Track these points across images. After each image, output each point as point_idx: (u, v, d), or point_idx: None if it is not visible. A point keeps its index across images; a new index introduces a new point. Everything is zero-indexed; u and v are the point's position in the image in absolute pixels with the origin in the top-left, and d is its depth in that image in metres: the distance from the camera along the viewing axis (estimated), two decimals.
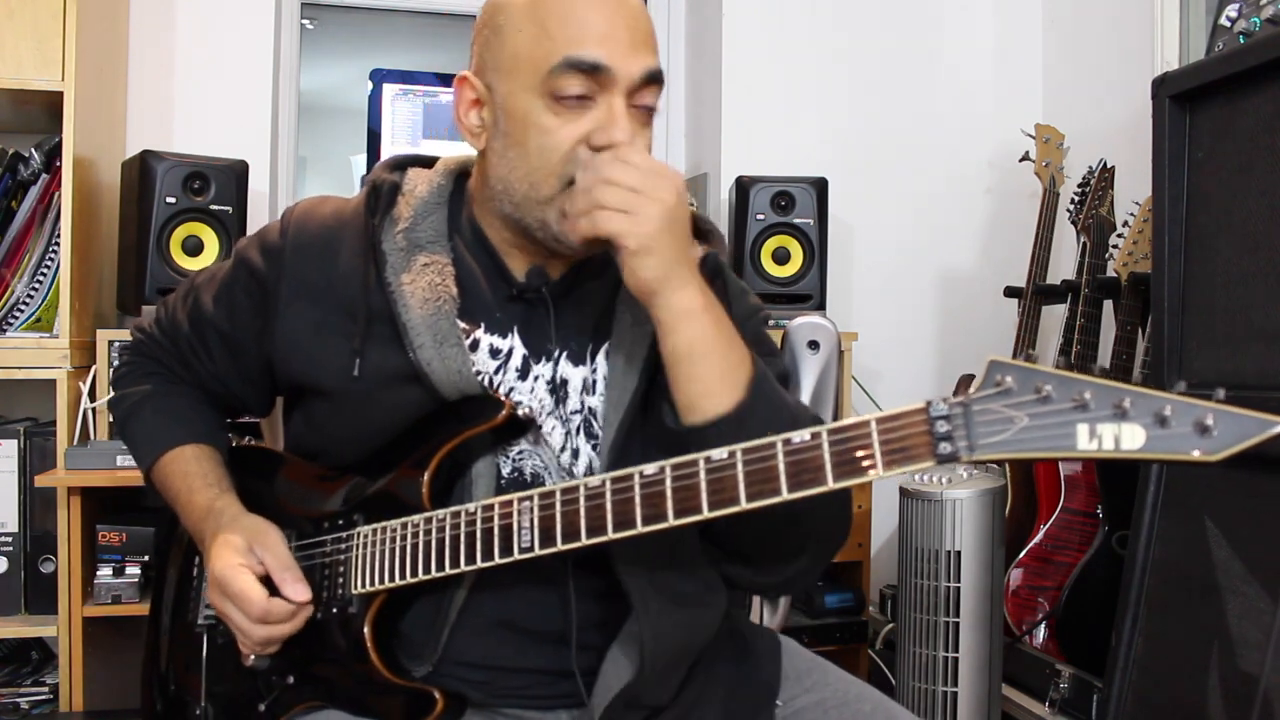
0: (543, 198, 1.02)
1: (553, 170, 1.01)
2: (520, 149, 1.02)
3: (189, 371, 1.21)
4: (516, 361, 1.08)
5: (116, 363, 1.29)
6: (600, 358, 1.09)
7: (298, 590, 1.05)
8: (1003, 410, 0.76)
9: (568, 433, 1.08)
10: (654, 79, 1.03)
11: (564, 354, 1.09)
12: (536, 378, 1.08)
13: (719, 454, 0.88)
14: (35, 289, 2.17)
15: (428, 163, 1.18)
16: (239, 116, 2.55)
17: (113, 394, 1.26)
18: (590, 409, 1.08)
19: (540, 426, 1.07)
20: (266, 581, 1.05)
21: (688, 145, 3.04)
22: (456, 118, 1.09)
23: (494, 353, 1.08)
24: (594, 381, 1.09)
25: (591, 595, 1.05)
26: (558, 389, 1.08)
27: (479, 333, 1.08)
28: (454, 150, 1.17)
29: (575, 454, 1.08)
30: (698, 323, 0.96)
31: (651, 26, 1.05)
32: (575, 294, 1.11)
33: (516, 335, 1.08)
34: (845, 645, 2.29)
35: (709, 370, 0.97)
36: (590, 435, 1.08)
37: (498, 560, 0.96)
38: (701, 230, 1.17)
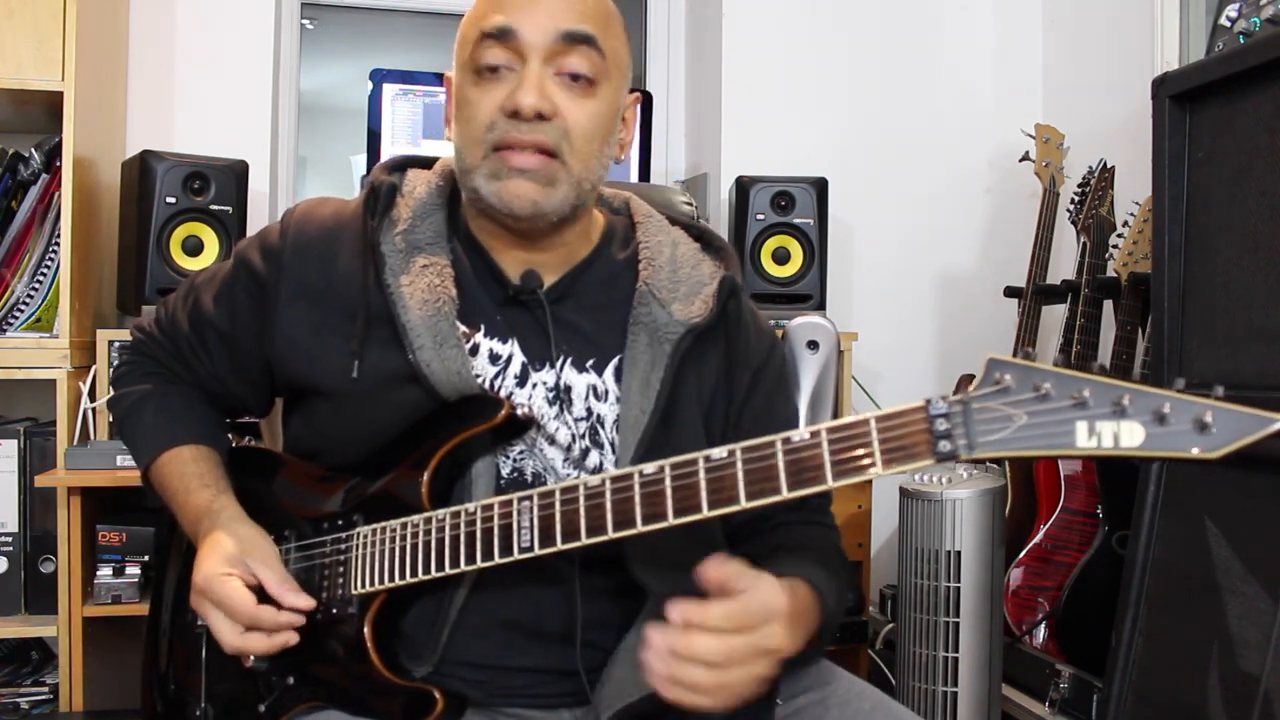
0: (469, 166, 1.05)
1: (476, 139, 1.03)
2: (458, 127, 1.06)
3: (189, 371, 1.21)
4: (515, 368, 1.08)
5: (116, 362, 1.29)
6: (609, 373, 1.09)
7: (300, 599, 1.04)
8: (1002, 408, 0.76)
9: (573, 436, 1.08)
10: (574, 39, 1.03)
11: (567, 360, 1.09)
12: (535, 385, 1.08)
13: (718, 453, 0.88)
14: (35, 289, 2.17)
15: (427, 164, 1.18)
16: (239, 116, 2.55)
17: (112, 393, 1.26)
18: (598, 416, 1.08)
19: (542, 428, 1.07)
20: (259, 593, 1.05)
21: (688, 145, 3.03)
22: (445, 117, 1.12)
23: (493, 358, 1.08)
24: (605, 390, 1.09)
25: (598, 594, 1.05)
26: (560, 396, 1.08)
27: (479, 337, 1.08)
28: (452, 150, 1.18)
29: (584, 454, 1.08)
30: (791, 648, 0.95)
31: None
32: (573, 299, 1.11)
33: (516, 343, 1.09)
34: (845, 645, 2.28)
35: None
36: (596, 443, 1.08)
37: (497, 560, 0.96)
38: (713, 247, 1.18)
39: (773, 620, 0.89)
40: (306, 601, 1.05)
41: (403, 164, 1.18)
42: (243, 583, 1.04)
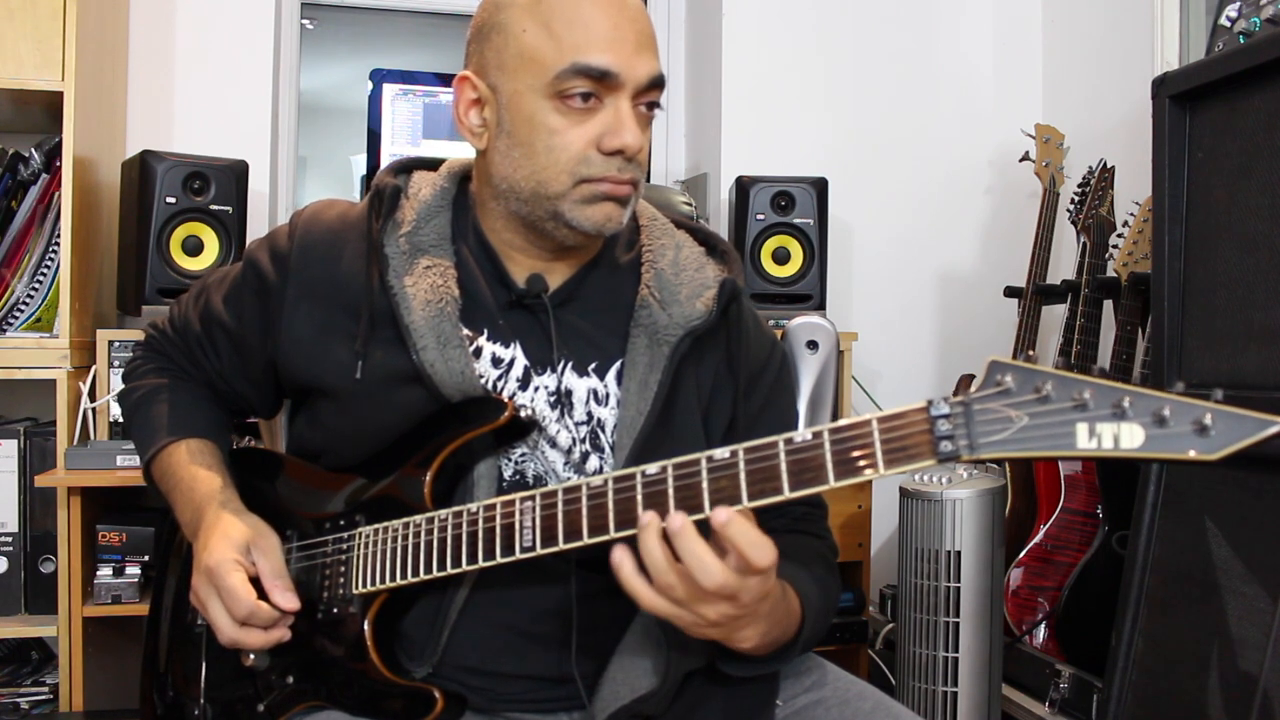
0: (553, 193, 1.04)
1: (563, 169, 1.03)
2: (526, 148, 1.04)
3: (198, 369, 1.23)
4: (518, 371, 1.09)
5: (130, 357, 1.30)
6: (610, 376, 1.10)
7: (287, 599, 1.05)
8: (1003, 410, 0.76)
9: (574, 439, 1.08)
10: (657, 83, 1.05)
11: (568, 364, 1.09)
12: (537, 389, 1.08)
13: (721, 453, 0.88)
14: (35, 289, 2.17)
15: (433, 165, 1.19)
16: (239, 116, 2.55)
17: (123, 386, 1.27)
18: (599, 420, 1.09)
19: (544, 430, 1.07)
20: (256, 584, 1.05)
21: (688, 145, 3.04)
22: (456, 117, 1.10)
23: (495, 361, 1.09)
24: (605, 395, 1.09)
25: (594, 595, 1.06)
26: (561, 400, 1.08)
27: (481, 340, 1.09)
28: (453, 150, 1.18)
29: (584, 458, 1.08)
30: (752, 644, 0.98)
31: (652, 28, 1.06)
32: (577, 303, 1.12)
33: (518, 346, 1.09)
34: (845, 645, 2.28)
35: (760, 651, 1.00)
36: (597, 447, 1.09)
37: (499, 560, 0.97)
38: (718, 251, 1.18)
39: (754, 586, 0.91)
40: (291, 602, 1.05)
41: (408, 166, 1.19)
42: (245, 574, 1.04)
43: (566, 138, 1.02)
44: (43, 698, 2.15)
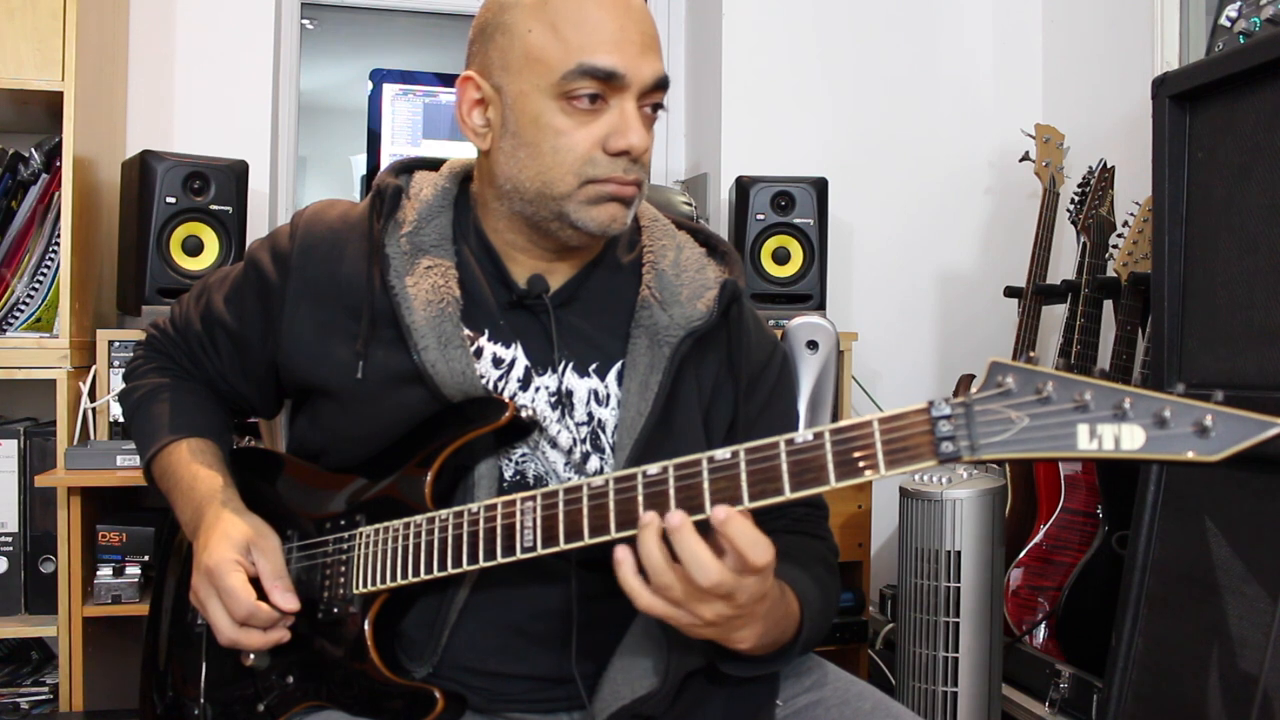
0: (558, 194, 1.04)
1: (569, 169, 1.03)
2: (532, 149, 1.04)
3: (198, 369, 1.23)
4: (519, 372, 1.09)
5: (130, 356, 1.30)
6: (610, 377, 1.10)
7: (286, 600, 1.05)
8: (1004, 411, 0.76)
9: (574, 440, 1.08)
10: (662, 84, 1.06)
11: (569, 365, 1.09)
12: (538, 389, 1.09)
13: (722, 454, 0.88)
14: (35, 289, 2.17)
15: (434, 165, 1.19)
16: (239, 116, 2.55)
17: (124, 386, 1.27)
18: (600, 421, 1.09)
19: (544, 430, 1.08)
20: (255, 585, 1.05)
21: (688, 145, 3.04)
22: (459, 118, 1.10)
23: (496, 362, 1.09)
24: (606, 395, 1.09)
25: (595, 596, 1.06)
26: (561, 400, 1.08)
27: (482, 340, 1.09)
28: (453, 150, 1.18)
29: (585, 458, 1.08)
30: (750, 645, 0.98)
31: (656, 28, 1.06)
32: (578, 304, 1.12)
33: (519, 347, 1.09)
34: (845, 645, 2.28)
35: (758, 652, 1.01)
36: (597, 448, 1.09)
37: (500, 560, 0.97)
38: (719, 251, 1.18)
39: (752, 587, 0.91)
40: (291, 603, 1.05)
41: (409, 166, 1.19)
42: (245, 574, 1.04)
43: (572, 138, 1.02)
44: (43, 698, 2.15)
